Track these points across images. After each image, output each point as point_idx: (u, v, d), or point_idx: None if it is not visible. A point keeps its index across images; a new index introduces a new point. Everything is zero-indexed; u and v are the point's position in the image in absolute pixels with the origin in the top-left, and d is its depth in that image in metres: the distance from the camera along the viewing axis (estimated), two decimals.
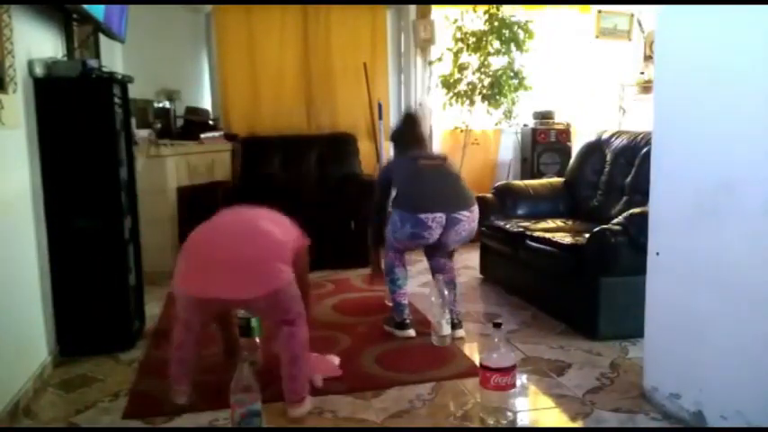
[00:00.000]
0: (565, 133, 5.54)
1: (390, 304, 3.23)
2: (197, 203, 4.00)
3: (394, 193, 3.11)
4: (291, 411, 2.23)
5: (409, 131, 3.27)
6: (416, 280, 4.06)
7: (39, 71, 2.72)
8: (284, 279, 2.17)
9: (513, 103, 5.11)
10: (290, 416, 2.23)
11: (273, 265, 2.17)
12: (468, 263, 4.60)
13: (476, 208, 3.02)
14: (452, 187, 2.96)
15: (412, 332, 3.03)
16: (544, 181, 4.52)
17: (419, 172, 2.98)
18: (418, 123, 3.35)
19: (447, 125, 5.47)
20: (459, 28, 5.06)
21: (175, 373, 2.35)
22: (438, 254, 3.17)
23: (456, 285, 3.16)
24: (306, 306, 2.33)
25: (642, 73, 5.76)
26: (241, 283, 2.12)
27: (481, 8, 5.01)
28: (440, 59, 5.21)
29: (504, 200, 4.16)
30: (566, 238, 3.26)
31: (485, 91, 5.05)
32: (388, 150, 4.84)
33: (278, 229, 2.30)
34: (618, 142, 3.95)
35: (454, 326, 3.00)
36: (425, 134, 3.28)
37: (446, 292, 2.95)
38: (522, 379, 2.52)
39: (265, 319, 2.51)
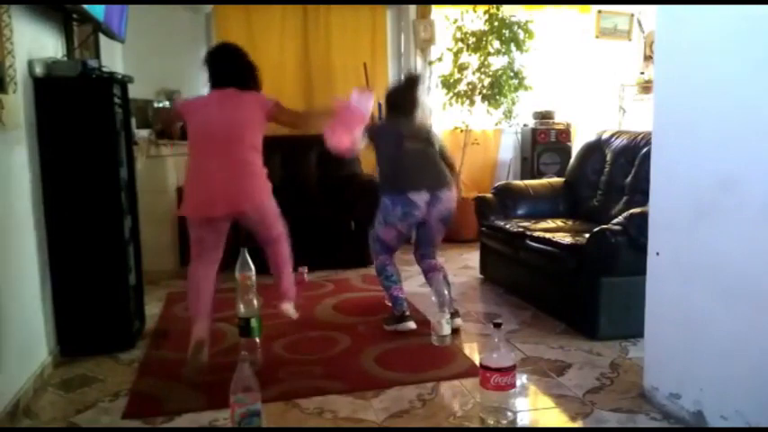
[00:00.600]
0: (565, 133, 5.54)
1: (390, 304, 3.27)
2: None
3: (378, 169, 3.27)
4: (281, 305, 2.98)
5: (405, 97, 3.25)
6: (417, 280, 4.06)
7: (39, 71, 2.72)
8: (266, 196, 2.77)
9: (513, 103, 5.12)
10: (280, 308, 2.97)
11: (257, 182, 2.74)
12: (468, 263, 4.60)
13: (453, 188, 3.19)
14: (433, 169, 3.12)
15: (413, 324, 3.08)
16: (544, 181, 4.52)
17: (403, 154, 3.09)
18: (416, 89, 3.30)
19: (447, 125, 5.47)
20: (460, 28, 5.06)
21: (193, 304, 2.73)
22: (427, 248, 3.29)
23: (447, 281, 3.26)
24: (316, 118, 3.01)
25: (642, 73, 5.76)
26: (236, 199, 2.66)
27: (481, 8, 5.01)
28: (440, 59, 5.21)
29: (504, 200, 4.16)
30: (566, 238, 3.26)
31: (485, 91, 5.05)
32: None
33: (252, 132, 2.71)
34: (618, 142, 3.94)
35: (452, 315, 3.03)
36: (419, 103, 3.29)
37: (445, 291, 3.02)
38: (522, 379, 2.52)
39: (256, 234, 2.87)
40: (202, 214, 2.65)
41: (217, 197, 2.61)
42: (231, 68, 2.76)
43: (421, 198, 3.02)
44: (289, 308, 2.99)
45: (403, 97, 3.27)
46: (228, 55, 2.81)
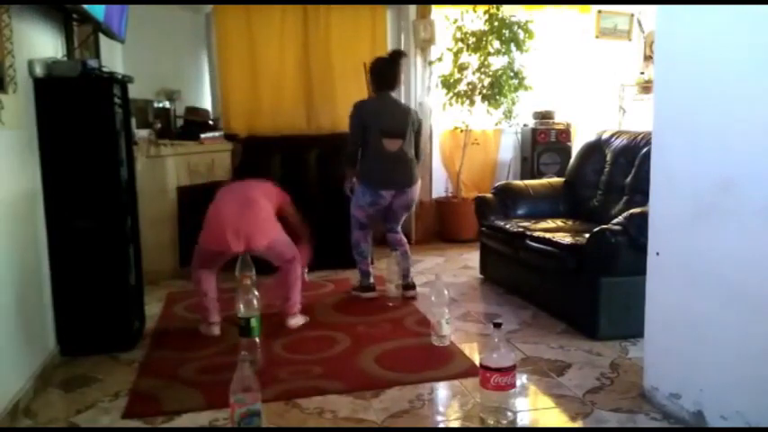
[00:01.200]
0: (565, 133, 5.54)
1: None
2: (197, 203, 4.00)
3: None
4: (289, 321, 3.21)
5: (390, 70, 3.59)
6: (417, 280, 4.05)
7: (39, 71, 2.72)
8: (273, 235, 3.12)
9: (513, 103, 5.11)
10: (288, 325, 3.19)
11: (265, 226, 3.10)
12: (468, 263, 4.60)
13: (418, 183, 3.71)
14: (404, 171, 3.57)
15: (373, 294, 3.71)
16: (544, 181, 4.52)
17: (383, 157, 3.53)
18: (399, 64, 3.63)
19: (447, 125, 5.47)
20: (460, 28, 5.06)
21: (205, 309, 3.15)
22: (392, 224, 3.76)
23: (409, 255, 3.80)
24: (303, 239, 3.33)
25: (642, 73, 5.76)
26: (232, 238, 3.00)
27: (481, 8, 5.00)
28: (440, 59, 5.21)
29: (504, 200, 4.16)
30: (566, 238, 3.26)
31: (485, 91, 5.05)
32: None
33: (265, 198, 3.18)
34: (618, 142, 3.94)
35: (409, 287, 3.70)
36: (400, 77, 3.68)
37: (401, 262, 3.71)
38: (522, 379, 2.52)
39: (272, 261, 3.20)
40: (214, 249, 3.07)
41: (231, 237, 3.00)
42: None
43: (388, 193, 3.56)
44: (297, 321, 3.24)
45: (388, 71, 3.58)
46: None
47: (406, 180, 3.59)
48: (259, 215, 3.08)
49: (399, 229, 3.83)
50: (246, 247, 3.01)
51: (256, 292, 2.80)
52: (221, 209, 3.09)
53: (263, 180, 3.32)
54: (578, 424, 2.20)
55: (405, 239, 3.87)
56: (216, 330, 3.11)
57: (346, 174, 3.68)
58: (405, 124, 3.59)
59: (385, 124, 3.53)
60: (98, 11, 2.96)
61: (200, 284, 3.12)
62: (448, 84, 5.09)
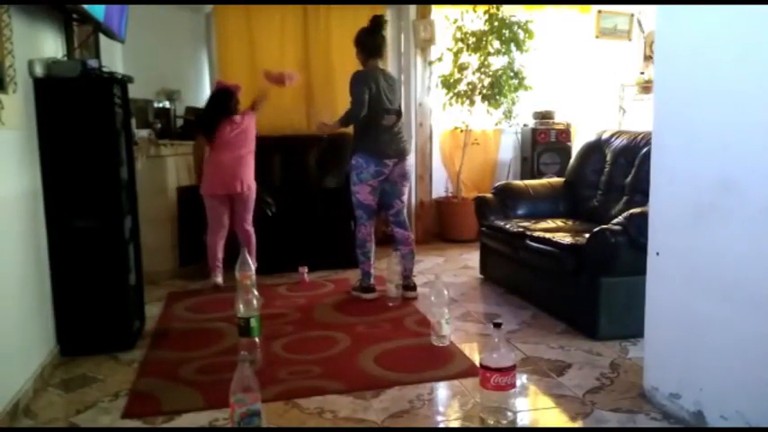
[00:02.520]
0: (565, 133, 5.54)
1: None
2: (197, 203, 4.01)
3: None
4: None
5: (373, 39, 3.71)
6: (417, 280, 4.06)
7: (39, 71, 2.72)
8: (253, 188, 4.04)
9: (513, 103, 5.11)
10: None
11: (250, 178, 4.01)
12: (468, 263, 4.60)
13: (411, 155, 4.03)
14: (400, 141, 3.72)
15: (374, 295, 3.73)
16: (544, 181, 4.52)
17: (382, 129, 3.63)
18: (381, 30, 3.75)
19: (447, 125, 5.47)
20: (460, 28, 5.06)
21: (212, 262, 4.01)
22: (395, 202, 3.77)
23: (414, 255, 3.84)
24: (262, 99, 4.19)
25: (642, 73, 5.76)
26: (237, 183, 3.92)
27: (481, 8, 5.01)
28: (440, 59, 5.21)
29: (504, 200, 4.16)
30: (566, 238, 3.26)
31: (485, 91, 5.05)
32: None
33: (250, 152, 4.03)
34: (618, 142, 3.95)
35: (409, 288, 3.72)
36: (386, 44, 3.81)
37: (405, 262, 3.74)
38: (522, 379, 2.52)
39: (238, 218, 4.03)
40: (216, 193, 3.94)
41: (225, 184, 3.93)
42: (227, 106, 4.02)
43: (391, 161, 3.66)
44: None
45: (371, 40, 3.70)
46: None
47: (403, 150, 3.76)
48: (248, 168, 3.98)
49: (407, 223, 3.85)
50: (242, 187, 3.91)
51: (256, 292, 2.80)
52: (223, 163, 3.90)
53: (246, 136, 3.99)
54: (578, 424, 2.20)
55: (412, 237, 3.89)
56: (219, 279, 3.99)
57: (334, 126, 3.78)
58: (398, 100, 3.79)
59: (384, 103, 3.62)
60: (98, 11, 2.96)
61: (211, 248, 3.99)
62: (448, 84, 5.09)
